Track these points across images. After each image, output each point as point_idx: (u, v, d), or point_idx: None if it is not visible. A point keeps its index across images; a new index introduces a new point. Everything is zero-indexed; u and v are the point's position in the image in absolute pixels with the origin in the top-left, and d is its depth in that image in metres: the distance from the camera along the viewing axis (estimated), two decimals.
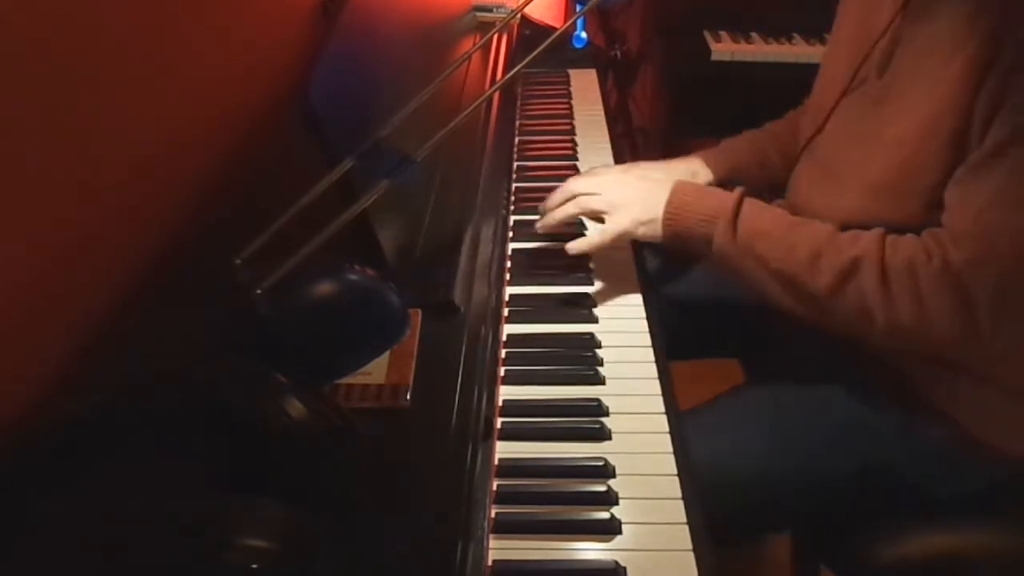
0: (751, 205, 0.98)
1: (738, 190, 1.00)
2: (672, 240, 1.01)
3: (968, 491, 1.00)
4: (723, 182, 1.20)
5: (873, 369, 1.00)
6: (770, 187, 1.24)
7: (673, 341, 1.04)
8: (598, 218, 1.05)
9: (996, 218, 0.84)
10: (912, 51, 0.93)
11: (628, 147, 2.33)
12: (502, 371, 0.94)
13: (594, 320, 1.03)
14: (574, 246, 1.03)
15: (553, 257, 1.13)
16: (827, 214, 0.99)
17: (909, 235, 0.91)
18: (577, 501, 0.80)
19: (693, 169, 1.21)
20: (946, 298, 0.86)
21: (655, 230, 1.01)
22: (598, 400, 0.90)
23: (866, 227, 0.95)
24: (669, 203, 1.00)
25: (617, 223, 1.02)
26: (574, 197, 1.05)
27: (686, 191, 1.01)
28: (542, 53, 0.83)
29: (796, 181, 1.12)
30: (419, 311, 0.83)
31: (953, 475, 1.00)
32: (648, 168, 1.17)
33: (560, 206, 1.06)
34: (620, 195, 1.03)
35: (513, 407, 0.90)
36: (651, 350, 0.99)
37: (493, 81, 1.35)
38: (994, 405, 0.96)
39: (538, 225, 1.08)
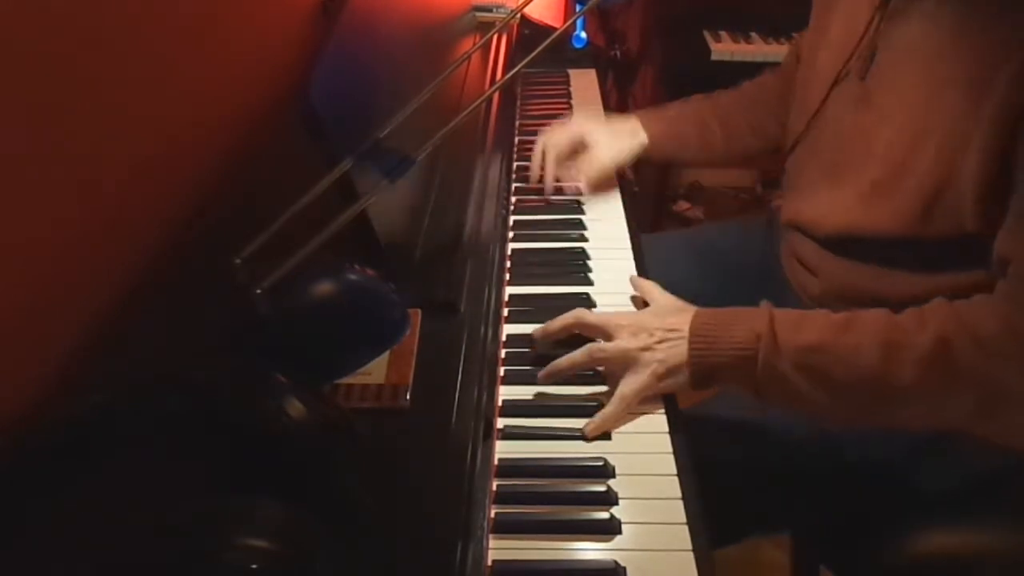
0: (786, 318, 0.86)
1: (765, 305, 0.89)
2: (704, 384, 0.88)
3: (963, 485, 1.00)
4: (659, 146, 1.26)
5: None
6: (707, 159, 1.30)
7: None
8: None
9: None
10: (896, 52, 0.93)
11: None
12: (502, 371, 0.94)
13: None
14: (593, 428, 0.86)
15: (553, 257, 1.13)
16: (829, 213, 0.99)
17: (977, 297, 0.83)
18: (577, 501, 0.80)
19: (632, 127, 1.26)
20: None
21: (682, 380, 0.88)
22: (598, 400, 0.90)
23: (854, 231, 0.94)
24: (692, 343, 0.86)
25: (635, 381, 0.87)
26: (580, 326, 0.93)
27: (706, 322, 0.88)
28: (542, 53, 0.83)
29: (796, 178, 1.12)
30: (419, 311, 0.83)
31: (946, 468, 1.00)
32: (594, 127, 1.26)
33: (564, 332, 0.94)
34: (637, 343, 0.88)
35: (513, 407, 0.90)
36: None
37: (493, 81, 1.35)
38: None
39: (541, 376, 0.91)
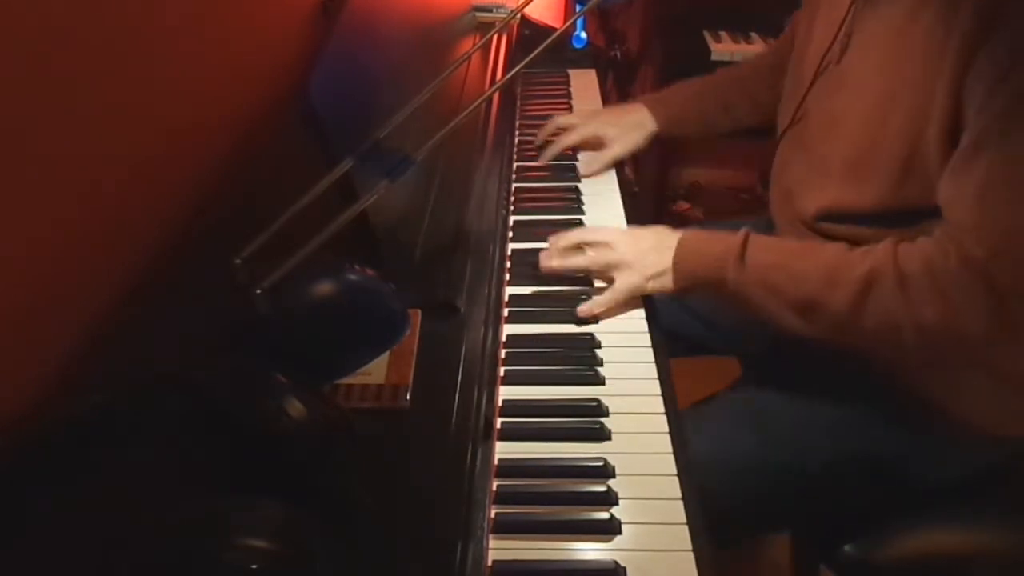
0: (757, 241, 0.98)
1: (743, 230, 1.00)
2: (684, 289, 1.02)
3: (962, 480, 1.01)
4: (665, 130, 1.35)
5: (865, 362, 1.01)
6: (706, 137, 1.41)
7: (672, 337, 1.04)
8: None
9: (995, 204, 0.84)
10: (866, 34, 0.98)
11: None
12: (502, 371, 0.94)
13: (594, 320, 1.03)
14: (585, 309, 1.02)
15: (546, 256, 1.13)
16: (812, 198, 1.04)
17: (921, 239, 0.90)
18: (577, 501, 0.80)
19: (640, 119, 1.35)
20: (974, 290, 0.85)
21: (666, 282, 1.02)
22: (598, 400, 0.90)
23: (835, 209, 0.99)
24: (677, 254, 1.01)
25: (628, 279, 1.02)
26: (585, 244, 1.06)
27: (692, 241, 1.02)
28: (542, 53, 0.83)
29: (781, 169, 1.15)
30: (419, 311, 0.83)
31: (944, 461, 1.01)
32: (606, 123, 1.35)
33: (568, 246, 1.07)
34: (630, 250, 1.03)
35: (513, 407, 0.90)
36: (651, 350, 0.99)
37: (493, 81, 1.35)
38: (983, 389, 0.97)
39: (542, 264, 1.07)
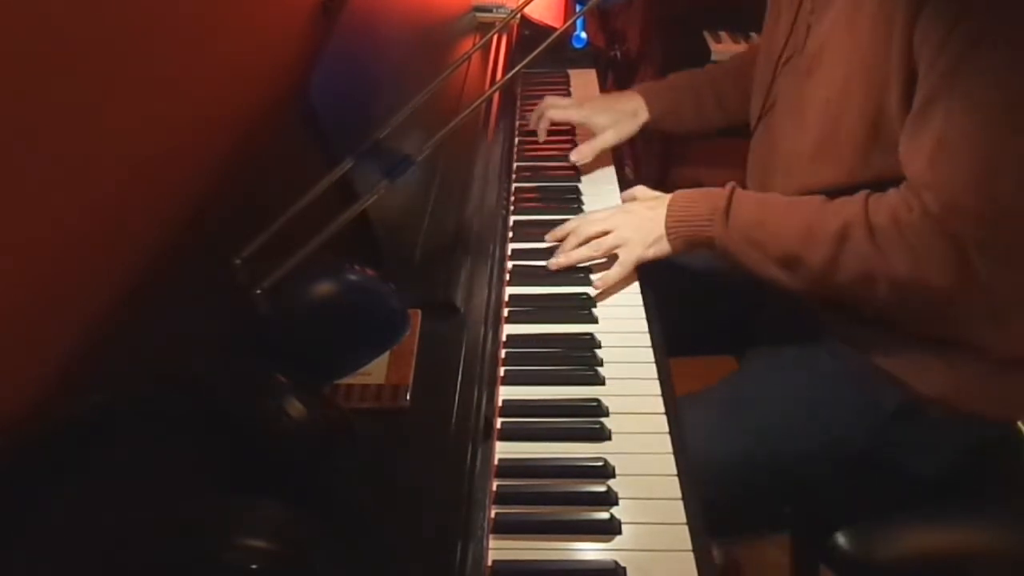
0: (741, 198, 1.03)
1: (729, 186, 1.05)
2: (681, 250, 1.08)
3: (946, 464, 1.01)
4: (658, 121, 1.35)
5: (859, 357, 1.02)
6: (702, 131, 1.40)
7: (672, 339, 1.04)
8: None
9: (945, 165, 0.87)
10: (824, 18, 1.00)
11: (627, 146, 2.33)
12: (502, 371, 0.94)
13: (594, 320, 1.03)
14: (599, 283, 1.07)
15: (553, 257, 1.13)
16: (785, 185, 1.06)
17: (890, 190, 0.93)
18: (577, 501, 0.80)
19: (635, 107, 1.35)
20: (935, 242, 0.88)
21: (663, 247, 1.07)
22: (598, 400, 0.90)
23: (815, 190, 1.01)
24: (668, 218, 1.07)
25: (631, 253, 1.07)
26: (586, 240, 1.09)
27: (680, 202, 1.08)
28: (542, 53, 0.83)
29: (755, 160, 1.17)
30: (419, 311, 0.83)
31: (924, 443, 1.01)
32: (600, 110, 1.34)
33: (574, 247, 1.10)
34: (627, 226, 1.08)
35: (513, 407, 0.90)
36: (651, 350, 0.99)
37: (493, 81, 1.35)
38: (974, 373, 0.97)
39: (552, 263, 1.10)
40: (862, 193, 0.95)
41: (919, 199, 0.89)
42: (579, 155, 1.32)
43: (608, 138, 1.33)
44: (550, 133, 1.41)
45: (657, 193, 1.17)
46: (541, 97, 1.56)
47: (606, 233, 1.09)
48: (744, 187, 1.18)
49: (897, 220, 0.90)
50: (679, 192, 1.09)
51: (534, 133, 1.42)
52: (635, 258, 1.07)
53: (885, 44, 0.90)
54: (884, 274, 0.92)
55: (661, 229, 1.07)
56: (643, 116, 1.34)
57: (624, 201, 1.19)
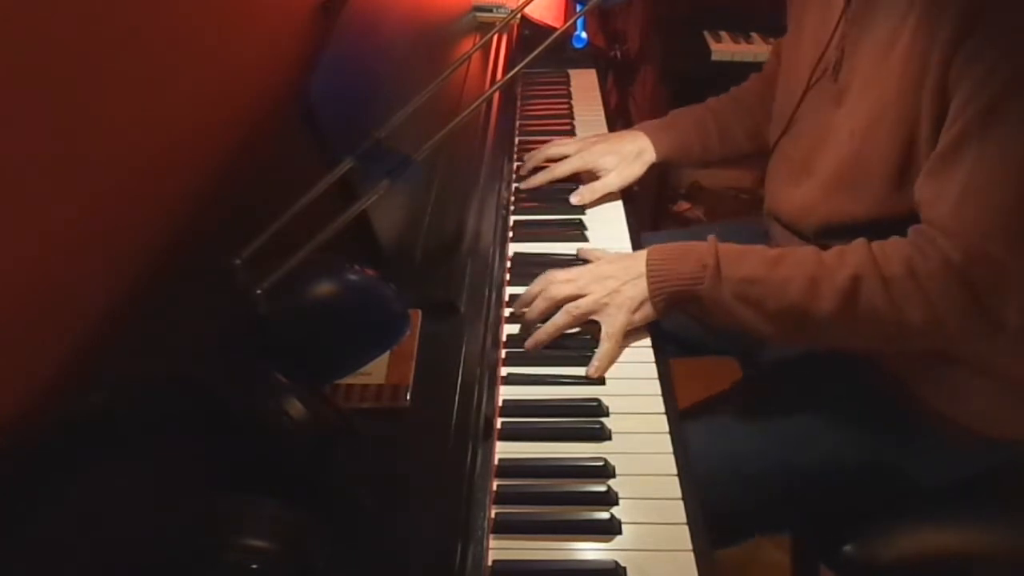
0: (728, 253, 0.96)
1: (711, 240, 0.98)
2: (668, 312, 0.99)
3: (963, 481, 1.01)
4: (665, 160, 1.29)
5: (866, 364, 1.02)
6: (704, 164, 1.37)
7: (672, 340, 1.04)
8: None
9: (976, 208, 0.85)
10: (859, 51, 0.98)
11: None
12: (502, 371, 0.94)
13: (594, 320, 1.03)
14: (595, 371, 0.95)
15: (553, 257, 1.13)
16: (797, 211, 1.04)
17: (893, 239, 0.91)
18: (577, 501, 0.80)
19: (639, 148, 1.28)
20: (956, 294, 0.86)
21: (648, 313, 0.99)
22: (598, 400, 0.90)
23: (831, 222, 1.00)
24: (650, 281, 0.98)
25: (614, 322, 0.97)
26: (557, 303, 0.99)
27: (659, 260, 0.98)
28: (542, 53, 0.83)
29: (771, 182, 1.15)
30: (419, 311, 0.83)
31: (944, 463, 1.01)
32: (604, 152, 1.26)
33: (544, 312, 0.99)
34: (600, 289, 0.98)
35: (513, 407, 0.90)
36: (651, 350, 0.99)
37: (493, 81, 1.35)
38: (979, 390, 0.97)
39: (528, 344, 0.99)
40: (860, 242, 0.92)
41: (935, 247, 0.86)
42: (579, 198, 1.24)
43: (611, 181, 1.25)
44: (549, 131, 1.41)
45: (623, 252, 1.10)
46: (541, 97, 1.56)
47: (579, 296, 0.98)
48: (763, 202, 1.17)
49: (913, 271, 0.87)
50: (655, 247, 1.01)
51: (534, 133, 1.42)
52: (621, 326, 0.97)
53: (918, 84, 0.88)
54: (897, 324, 0.89)
55: (644, 293, 0.98)
56: (649, 157, 1.28)
57: (585, 260, 1.09)
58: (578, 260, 1.11)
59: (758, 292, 0.93)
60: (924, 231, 0.89)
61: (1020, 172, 0.83)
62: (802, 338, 0.96)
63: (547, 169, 1.29)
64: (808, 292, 0.91)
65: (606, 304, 0.98)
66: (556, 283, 1.00)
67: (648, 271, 0.98)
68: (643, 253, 1.00)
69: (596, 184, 1.26)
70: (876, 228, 0.94)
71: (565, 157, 1.29)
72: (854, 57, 0.99)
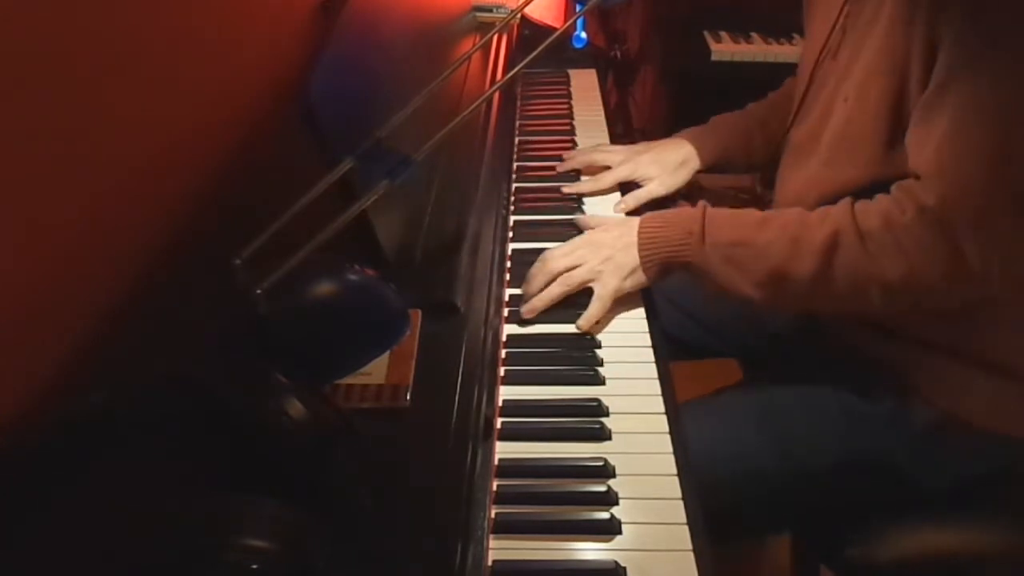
0: (714, 217, 0.99)
1: (700, 205, 1.01)
2: (659, 278, 1.03)
3: (964, 482, 1.01)
4: (711, 167, 1.31)
5: (865, 361, 1.02)
6: (749, 169, 1.36)
7: (673, 341, 1.04)
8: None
9: (954, 152, 0.86)
10: (855, 32, 1.00)
11: (625, 138, 2.34)
12: (502, 371, 0.94)
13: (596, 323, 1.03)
14: (583, 324, 1.00)
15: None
16: (801, 189, 1.04)
17: (877, 196, 0.92)
18: (577, 501, 0.80)
19: (684, 157, 1.29)
20: (929, 241, 0.87)
21: (639, 279, 1.02)
22: (598, 400, 0.90)
23: (830, 193, 0.99)
24: (640, 247, 1.02)
25: (606, 286, 1.01)
26: (554, 276, 1.02)
27: (650, 227, 1.03)
28: (542, 53, 0.83)
29: (779, 172, 1.15)
30: (419, 311, 0.83)
31: (947, 461, 1.01)
32: (648, 162, 1.27)
33: (544, 287, 1.03)
34: (595, 258, 1.02)
35: (513, 407, 0.90)
36: (651, 350, 0.99)
37: (493, 81, 1.35)
38: (982, 386, 0.97)
39: (524, 311, 1.02)
40: (845, 201, 0.94)
41: (913, 198, 0.88)
42: (624, 206, 1.24)
43: (654, 189, 1.26)
44: (549, 131, 1.41)
45: (619, 218, 1.13)
46: (541, 97, 1.56)
47: (574, 267, 1.02)
48: (766, 197, 1.18)
49: (890, 223, 0.89)
50: (647, 216, 1.05)
51: (534, 133, 1.42)
52: (612, 291, 1.01)
53: (907, 41, 0.89)
54: (877, 280, 0.90)
55: (634, 258, 1.02)
56: (694, 164, 1.29)
57: (582, 228, 1.13)
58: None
59: (742, 255, 0.96)
60: (904, 184, 0.90)
61: (997, 116, 0.84)
62: (788, 300, 0.98)
63: (593, 179, 1.29)
64: (789, 252, 0.93)
65: (600, 271, 1.02)
66: (553, 258, 1.04)
67: (639, 239, 1.02)
68: (636, 221, 1.04)
69: (640, 192, 1.26)
70: (873, 194, 0.95)
71: (607, 168, 1.29)
72: (852, 34, 1.00)
